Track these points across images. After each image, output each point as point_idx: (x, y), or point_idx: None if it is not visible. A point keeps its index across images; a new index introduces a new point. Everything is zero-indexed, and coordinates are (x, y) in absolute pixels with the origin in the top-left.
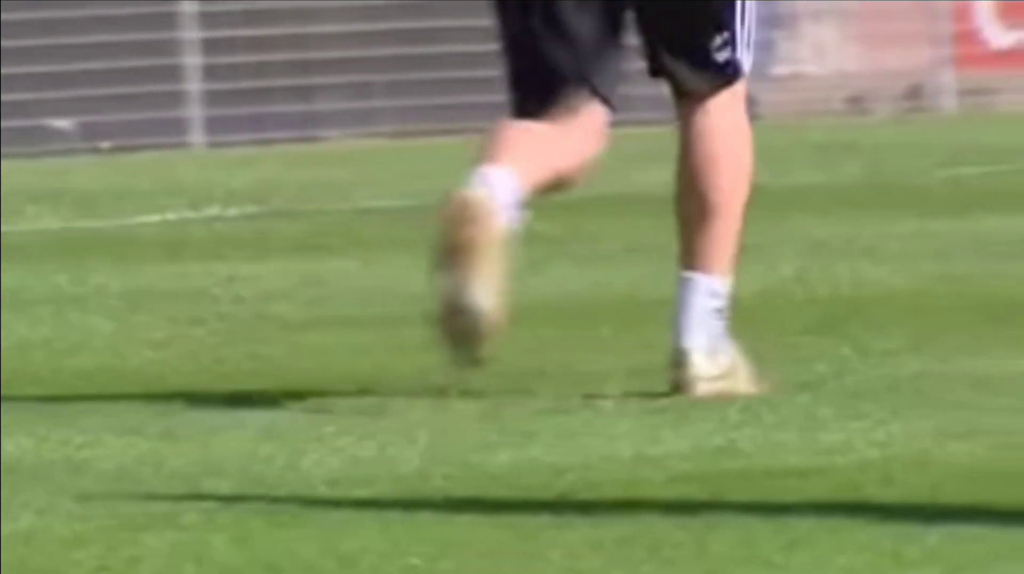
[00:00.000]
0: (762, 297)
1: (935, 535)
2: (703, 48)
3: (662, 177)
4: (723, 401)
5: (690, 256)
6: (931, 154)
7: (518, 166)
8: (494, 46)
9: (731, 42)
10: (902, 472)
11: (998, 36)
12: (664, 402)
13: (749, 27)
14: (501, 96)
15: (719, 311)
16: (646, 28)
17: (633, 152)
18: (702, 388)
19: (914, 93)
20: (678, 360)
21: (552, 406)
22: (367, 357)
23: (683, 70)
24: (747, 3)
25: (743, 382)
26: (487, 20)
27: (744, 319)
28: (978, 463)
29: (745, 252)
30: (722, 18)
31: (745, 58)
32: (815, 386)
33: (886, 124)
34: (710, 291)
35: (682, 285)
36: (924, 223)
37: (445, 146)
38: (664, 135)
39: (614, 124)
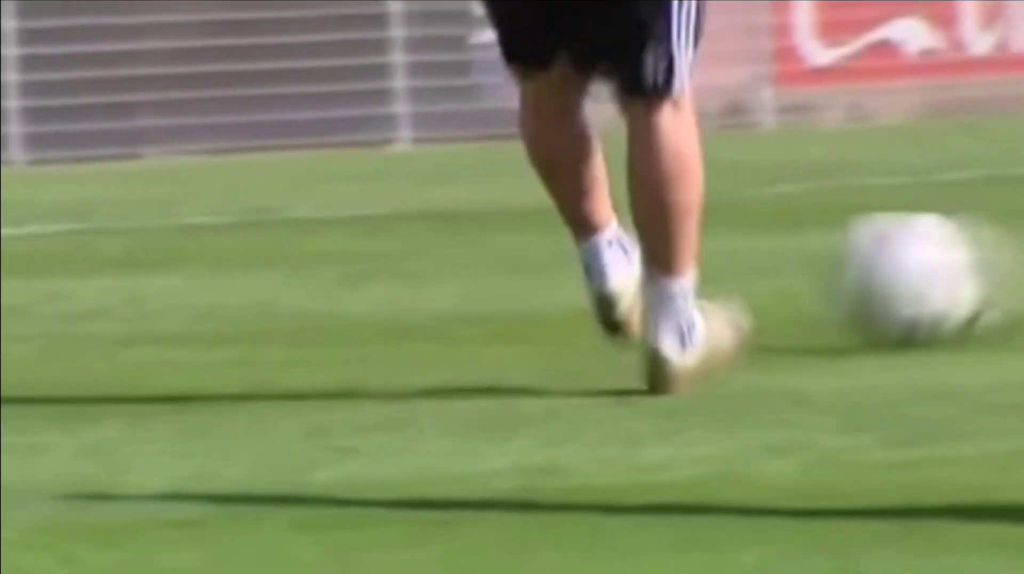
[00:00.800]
0: (583, 314)
1: (754, 553)
2: (631, 60)
3: (476, 194)
4: (693, 385)
5: (652, 262)
6: (751, 171)
7: (603, 212)
8: (311, 63)
9: (666, 55)
10: (722, 489)
11: (817, 53)
12: (485, 419)
13: (688, 37)
14: (317, 112)
15: (685, 299)
16: (577, 35)
17: (448, 169)
18: (682, 384)
19: (734, 110)
20: (654, 362)
21: (373, 423)
22: (190, 374)
23: (614, 81)
24: (687, 9)
25: (720, 348)
26: (304, 37)
27: (567, 336)
28: (795, 481)
29: (566, 268)
30: (653, 28)
31: (684, 71)
32: (637, 403)
33: (707, 141)
34: (672, 293)
35: (648, 288)
36: (743, 240)
37: (264, 162)
38: (475, 151)
39: (429, 141)
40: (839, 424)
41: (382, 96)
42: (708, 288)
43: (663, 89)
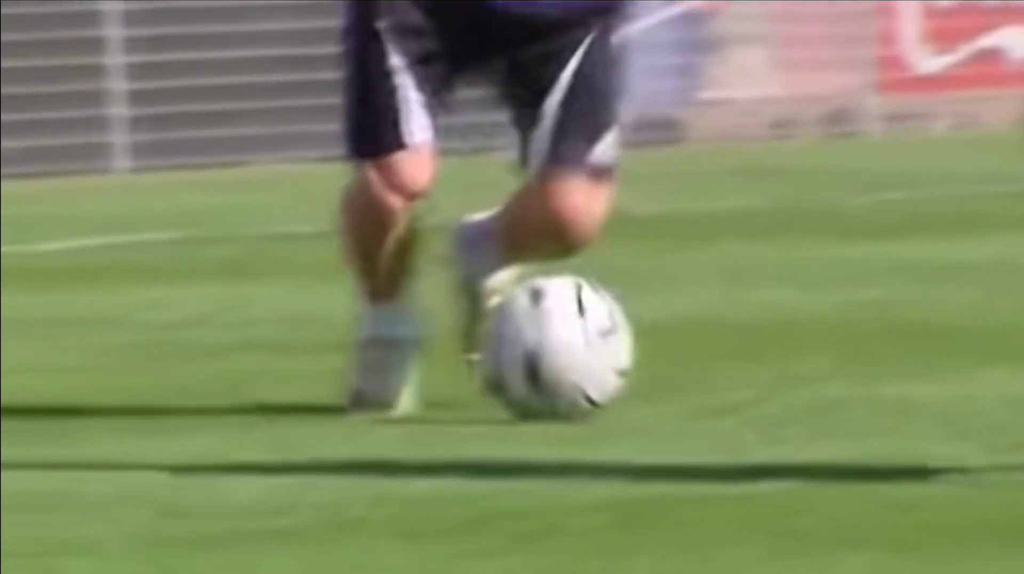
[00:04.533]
0: (684, 322)
1: (856, 561)
2: None
3: None
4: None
5: None
6: (854, 179)
7: None
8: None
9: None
10: (824, 499)
11: (924, 61)
12: (580, 430)
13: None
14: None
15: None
16: None
17: None
18: None
19: (838, 118)
20: None
21: (469, 432)
22: (287, 384)
23: None
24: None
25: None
26: None
27: (666, 344)
28: (897, 490)
29: (666, 277)
30: None
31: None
32: (738, 411)
33: (810, 149)
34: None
35: None
36: (845, 248)
37: None
38: None
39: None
40: (945, 433)
41: None
42: (800, 295)
43: None
